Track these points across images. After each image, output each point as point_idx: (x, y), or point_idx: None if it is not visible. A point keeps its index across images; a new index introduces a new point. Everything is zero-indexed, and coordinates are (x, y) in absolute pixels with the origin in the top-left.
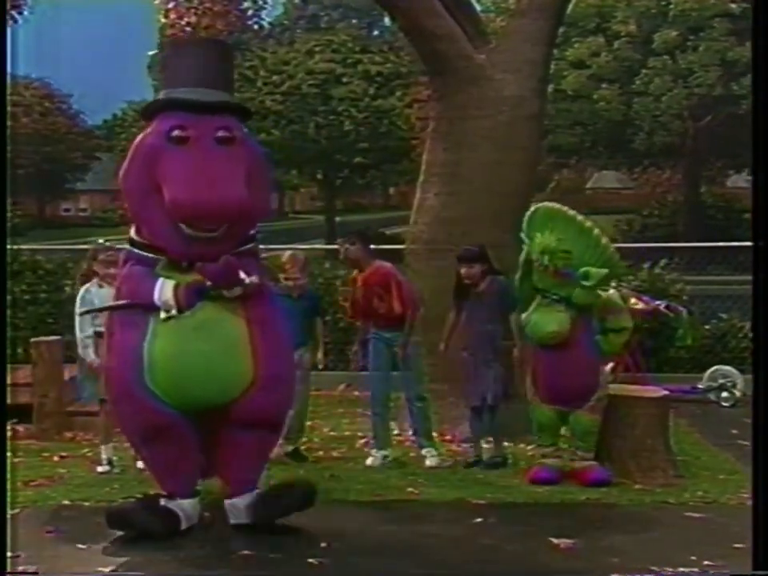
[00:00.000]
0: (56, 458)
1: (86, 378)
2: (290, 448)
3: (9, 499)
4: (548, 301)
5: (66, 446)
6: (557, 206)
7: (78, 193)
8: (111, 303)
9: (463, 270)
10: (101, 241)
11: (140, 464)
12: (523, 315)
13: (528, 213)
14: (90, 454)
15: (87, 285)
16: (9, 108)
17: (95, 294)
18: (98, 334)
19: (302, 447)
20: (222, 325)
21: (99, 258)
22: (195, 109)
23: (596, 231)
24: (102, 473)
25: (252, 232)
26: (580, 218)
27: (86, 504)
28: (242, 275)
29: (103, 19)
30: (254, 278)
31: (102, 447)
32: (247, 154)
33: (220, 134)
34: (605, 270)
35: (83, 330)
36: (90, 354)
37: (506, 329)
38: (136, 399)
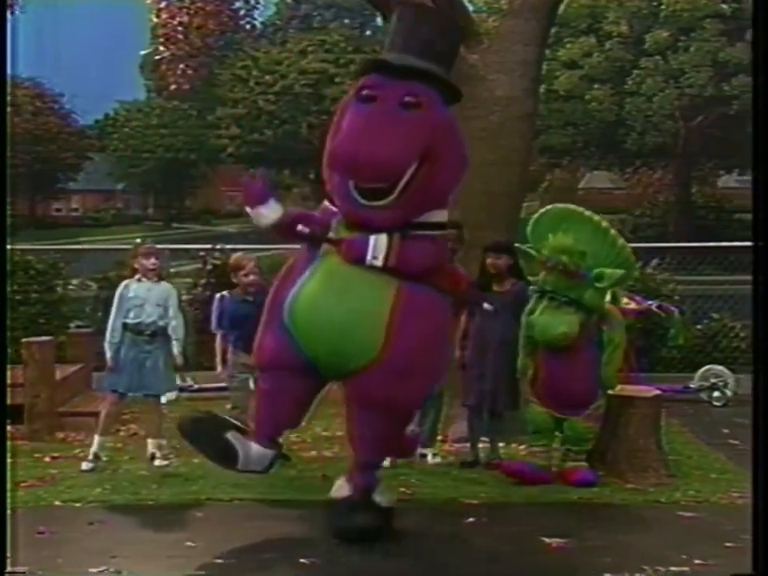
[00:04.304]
0: (47, 459)
1: (111, 369)
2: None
3: (8, 499)
4: (557, 303)
5: (58, 447)
6: (571, 206)
7: (69, 193)
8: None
9: (489, 260)
10: (138, 240)
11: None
12: (530, 317)
13: (536, 215)
14: (81, 455)
15: (126, 281)
16: (9, 108)
17: (132, 288)
18: (126, 327)
19: (293, 447)
20: (368, 290)
21: (139, 251)
22: (389, 72)
23: (612, 232)
24: (85, 470)
25: (440, 218)
26: (596, 218)
27: (78, 505)
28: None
29: (95, 19)
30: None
31: (96, 438)
32: (433, 121)
33: (406, 98)
34: (620, 271)
35: (114, 326)
36: (110, 349)
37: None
38: (275, 331)
